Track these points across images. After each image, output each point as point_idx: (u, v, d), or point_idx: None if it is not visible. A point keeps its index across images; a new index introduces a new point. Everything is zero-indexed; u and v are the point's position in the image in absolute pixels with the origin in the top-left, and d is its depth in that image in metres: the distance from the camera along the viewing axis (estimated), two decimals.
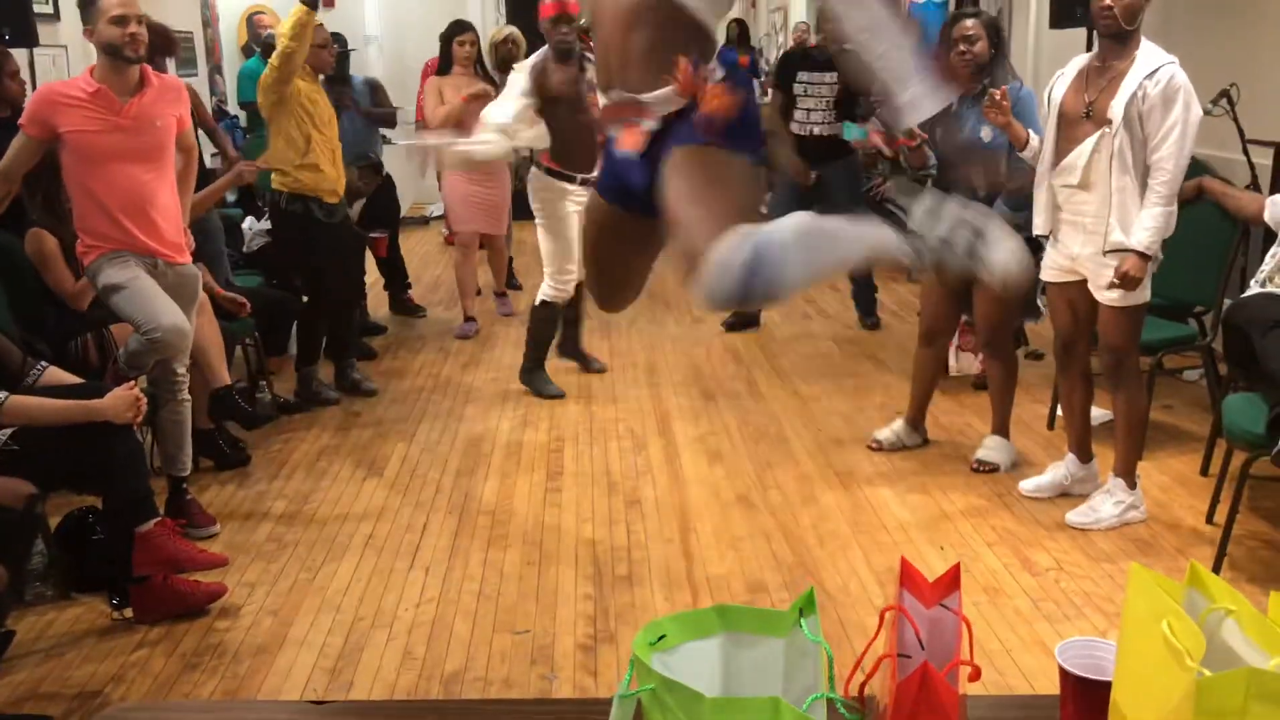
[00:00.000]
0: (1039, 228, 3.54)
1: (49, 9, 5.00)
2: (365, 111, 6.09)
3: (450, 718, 1.50)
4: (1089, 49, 3.63)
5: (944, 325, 4.20)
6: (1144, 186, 3.27)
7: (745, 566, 3.33)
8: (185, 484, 3.66)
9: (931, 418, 4.37)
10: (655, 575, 3.29)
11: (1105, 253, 3.32)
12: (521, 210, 5.48)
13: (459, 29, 5.91)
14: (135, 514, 3.04)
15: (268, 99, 4.50)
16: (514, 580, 3.28)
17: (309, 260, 4.74)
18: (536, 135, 4.60)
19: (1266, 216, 3.72)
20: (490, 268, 6.65)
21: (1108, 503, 3.54)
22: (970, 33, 3.77)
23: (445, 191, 6.22)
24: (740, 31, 10.78)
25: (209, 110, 6.03)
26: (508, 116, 4.43)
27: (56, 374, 3.17)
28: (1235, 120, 4.43)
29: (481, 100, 5.03)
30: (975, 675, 1.20)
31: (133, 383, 3.07)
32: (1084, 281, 3.45)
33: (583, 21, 4.62)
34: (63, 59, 5.06)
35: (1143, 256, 3.25)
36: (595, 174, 2.06)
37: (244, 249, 5.48)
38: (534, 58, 4.75)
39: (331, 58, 4.90)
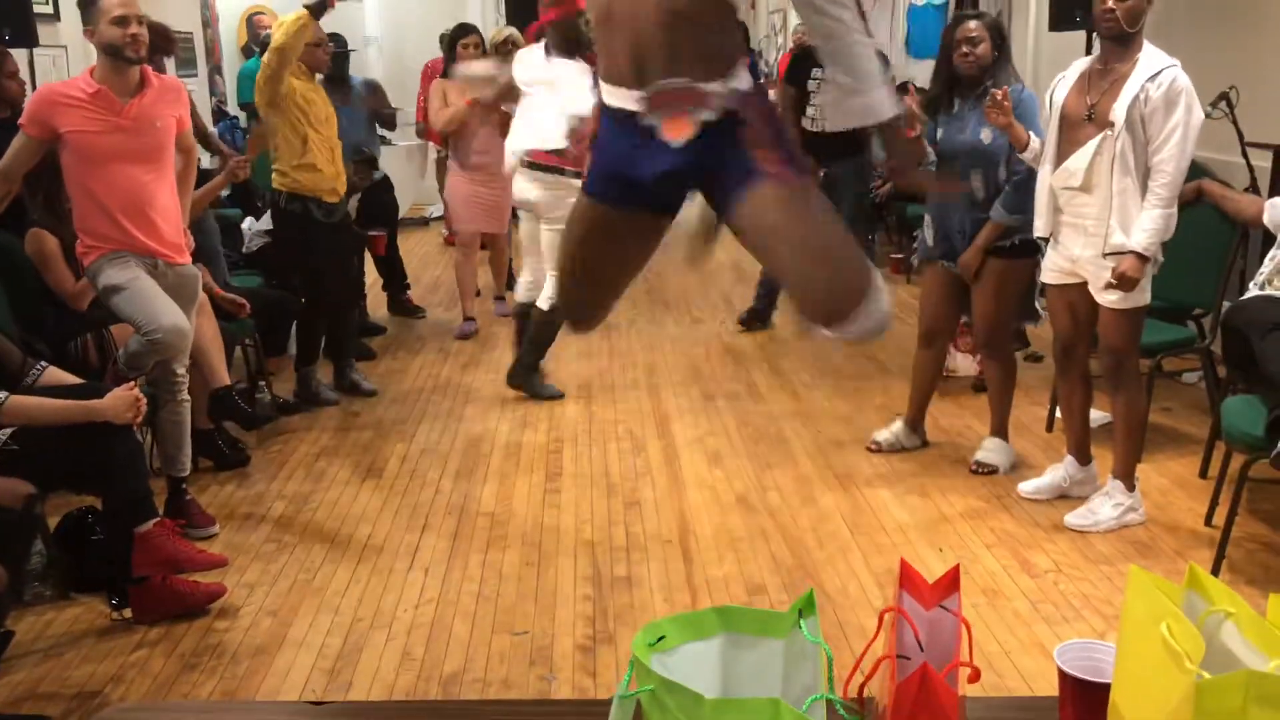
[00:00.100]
0: (1040, 230, 3.55)
1: (49, 9, 5.01)
2: (369, 106, 6.08)
3: (449, 718, 1.50)
4: (1088, 52, 3.64)
5: (943, 327, 4.20)
6: (1145, 189, 3.27)
7: (744, 568, 3.33)
8: (184, 484, 3.66)
9: (931, 419, 4.37)
10: (654, 576, 3.29)
11: (1105, 255, 3.33)
12: None
13: (463, 32, 5.92)
14: (134, 514, 3.04)
15: (262, 97, 4.52)
16: (513, 581, 3.28)
17: (308, 260, 4.74)
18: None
19: (1265, 219, 3.72)
20: (490, 269, 6.65)
21: (1107, 505, 3.54)
22: (973, 34, 3.77)
23: (447, 192, 6.23)
24: (740, 33, 10.77)
25: (199, 116, 6.03)
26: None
27: (56, 374, 3.17)
28: (1234, 123, 4.44)
29: (483, 105, 5.03)
30: (974, 677, 1.20)
31: (132, 383, 3.07)
32: (1084, 284, 3.45)
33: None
34: (63, 59, 5.07)
35: (1141, 258, 3.26)
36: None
37: (243, 250, 5.49)
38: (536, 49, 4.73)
39: (327, 56, 4.90)
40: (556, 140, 4.57)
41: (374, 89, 6.43)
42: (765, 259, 1.96)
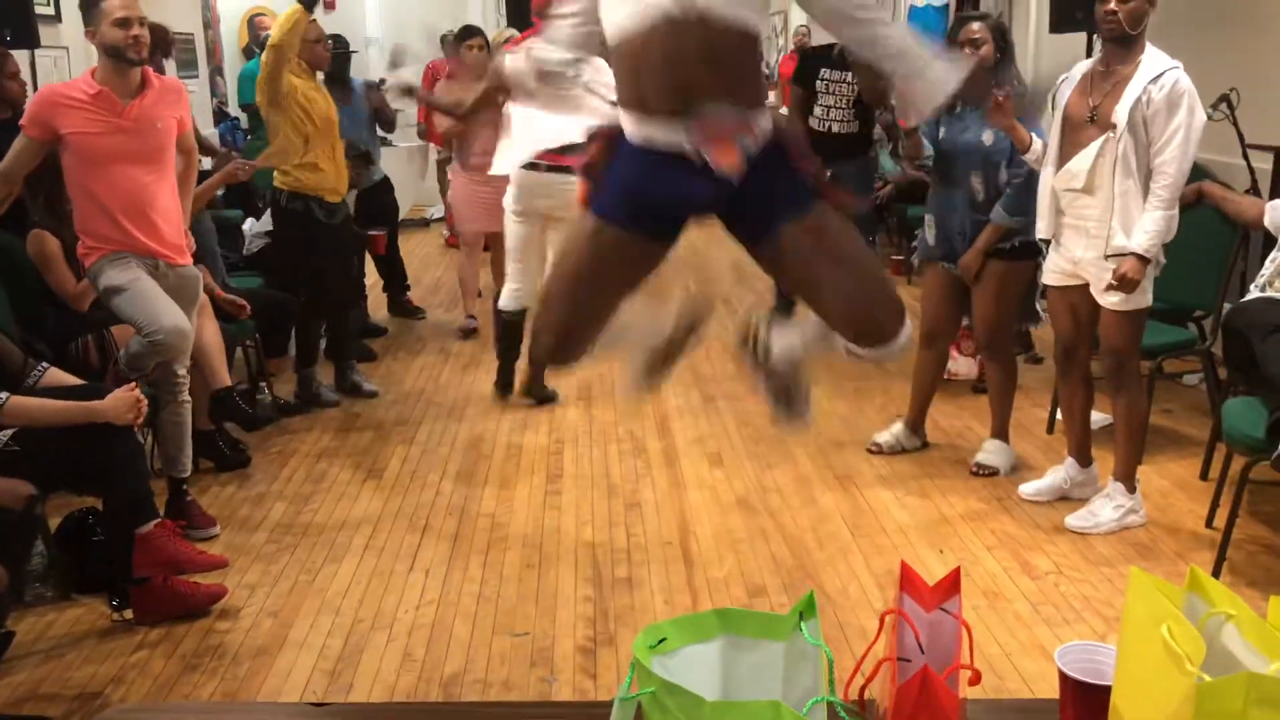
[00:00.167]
0: (1042, 232, 3.55)
1: (50, 10, 5.01)
2: (370, 106, 6.09)
3: None
4: (1089, 54, 3.64)
5: (944, 328, 4.20)
6: (1147, 191, 3.27)
7: (745, 569, 3.33)
8: (185, 485, 3.66)
9: (931, 421, 4.37)
10: (655, 578, 3.29)
11: (1107, 256, 3.33)
12: None
13: (468, 34, 5.92)
14: (135, 515, 3.04)
15: (263, 96, 4.52)
16: (513, 583, 3.28)
17: (309, 260, 4.74)
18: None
19: (1266, 221, 3.72)
20: (492, 270, 6.65)
21: (1107, 507, 3.54)
22: (976, 36, 3.77)
23: (451, 192, 6.24)
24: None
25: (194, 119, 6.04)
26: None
27: (57, 375, 3.18)
28: (1235, 125, 4.44)
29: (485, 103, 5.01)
30: (975, 679, 1.20)
31: (133, 384, 3.07)
32: (1085, 286, 3.45)
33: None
34: (64, 60, 5.07)
35: (1142, 259, 3.26)
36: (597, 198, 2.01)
37: (244, 251, 5.49)
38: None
39: (327, 53, 4.91)
40: (569, 138, 4.52)
41: (374, 90, 6.43)
42: (812, 281, 1.97)
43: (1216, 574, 3.15)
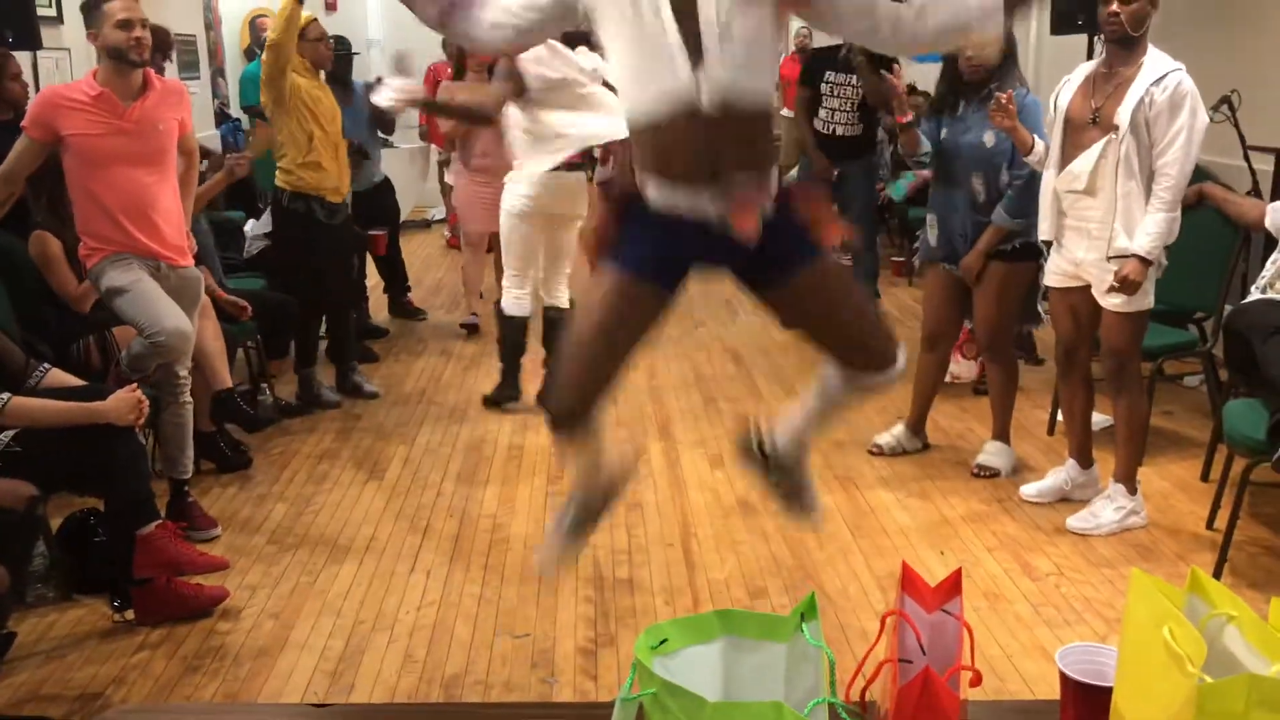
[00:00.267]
0: (1043, 233, 3.55)
1: (52, 12, 5.01)
2: (373, 112, 6.09)
3: None
4: (1089, 56, 3.64)
5: (945, 330, 4.20)
6: (1149, 192, 3.27)
7: (746, 570, 3.33)
8: (186, 486, 3.66)
9: (932, 422, 4.37)
10: (656, 579, 3.29)
11: (1109, 258, 3.33)
12: None
13: None
14: (136, 516, 3.04)
15: (267, 95, 4.53)
16: (514, 584, 3.28)
17: (309, 260, 4.74)
18: None
19: (1267, 223, 3.72)
20: (495, 271, 6.66)
21: (1108, 508, 3.54)
22: None
23: (455, 193, 6.25)
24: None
25: None
26: None
27: (59, 376, 3.18)
28: (1236, 126, 4.44)
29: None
30: (976, 680, 1.21)
31: (134, 385, 3.07)
32: (1087, 287, 3.45)
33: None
34: (66, 62, 5.07)
35: (1143, 261, 3.26)
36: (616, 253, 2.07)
37: (244, 253, 5.48)
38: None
39: (329, 52, 4.92)
40: (602, 136, 4.48)
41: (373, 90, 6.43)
42: (819, 321, 2.12)
43: (1217, 575, 3.15)
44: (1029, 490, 3.79)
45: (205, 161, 5.21)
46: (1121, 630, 1.16)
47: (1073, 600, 3.12)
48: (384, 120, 6.32)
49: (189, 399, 3.62)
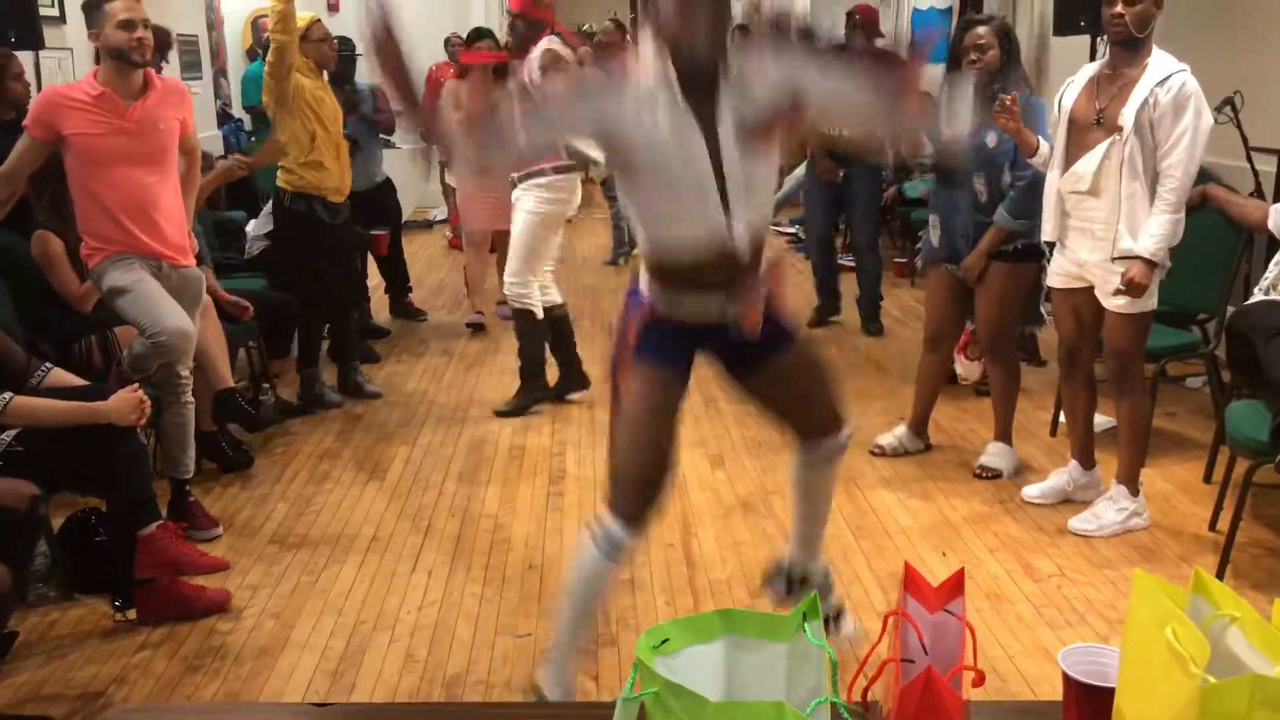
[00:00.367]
0: (1047, 234, 3.54)
1: (54, 11, 5.01)
2: (370, 118, 6.10)
3: None
4: (1092, 57, 3.63)
5: (948, 330, 4.20)
6: (1153, 193, 3.27)
7: (747, 571, 3.33)
8: (188, 486, 3.66)
9: (934, 423, 4.36)
10: (657, 580, 3.29)
11: (1114, 259, 3.32)
12: None
13: (477, 35, 5.95)
14: (137, 516, 3.04)
15: (271, 96, 4.54)
16: (516, 584, 3.28)
17: (310, 260, 4.74)
18: None
19: (1270, 224, 3.71)
20: (497, 270, 6.66)
21: (1111, 509, 3.54)
22: (982, 40, 3.77)
23: (457, 193, 6.26)
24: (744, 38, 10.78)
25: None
26: None
27: (61, 376, 3.18)
28: (1239, 128, 4.44)
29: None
30: (978, 681, 1.20)
31: (136, 385, 3.08)
32: (1090, 288, 3.45)
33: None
34: (68, 61, 5.07)
35: (1149, 263, 3.25)
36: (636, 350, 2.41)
37: (245, 253, 5.48)
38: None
39: (333, 52, 4.93)
40: None
41: (378, 94, 6.43)
42: (791, 399, 2.49)
43: (1220, 577, 3.15)
44: (1031, 491, 3.79)
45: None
46: (1124, 631, 1.15)
47: (1075, 601, 3.12)
48: (386, 123, 6.33)
49: (190, 399, 3.62)
